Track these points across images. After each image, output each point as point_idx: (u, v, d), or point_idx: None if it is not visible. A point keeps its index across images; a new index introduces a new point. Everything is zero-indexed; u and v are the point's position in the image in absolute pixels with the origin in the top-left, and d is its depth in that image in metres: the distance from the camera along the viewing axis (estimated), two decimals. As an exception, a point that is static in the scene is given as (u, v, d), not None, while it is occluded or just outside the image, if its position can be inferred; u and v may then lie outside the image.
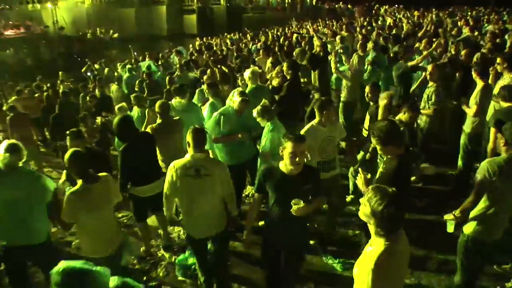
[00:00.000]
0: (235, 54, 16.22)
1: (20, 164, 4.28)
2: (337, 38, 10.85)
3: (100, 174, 4.17)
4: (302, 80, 8.25)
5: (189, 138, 4.13)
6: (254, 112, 5.31)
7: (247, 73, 7.03)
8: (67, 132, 5.55)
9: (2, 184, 4.14)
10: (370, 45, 9.26)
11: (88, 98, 10.37)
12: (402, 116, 5.42)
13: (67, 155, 4.05)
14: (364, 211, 2.68)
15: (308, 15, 34.34)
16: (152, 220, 6.10)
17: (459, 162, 6.18)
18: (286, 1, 38.25)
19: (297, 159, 3.51)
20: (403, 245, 2.75)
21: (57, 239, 6.18)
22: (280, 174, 3.67)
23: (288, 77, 6.95)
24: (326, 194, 4.35)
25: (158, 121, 5.90)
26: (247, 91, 6.66)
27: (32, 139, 9.56)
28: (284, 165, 3.64)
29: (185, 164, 4.11)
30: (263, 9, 38.18)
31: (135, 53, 17.25)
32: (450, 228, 3.91)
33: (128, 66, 13.57)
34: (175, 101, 6.88)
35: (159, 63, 14.95)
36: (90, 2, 36.79)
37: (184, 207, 4.30)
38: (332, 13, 34.59)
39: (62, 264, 2.19)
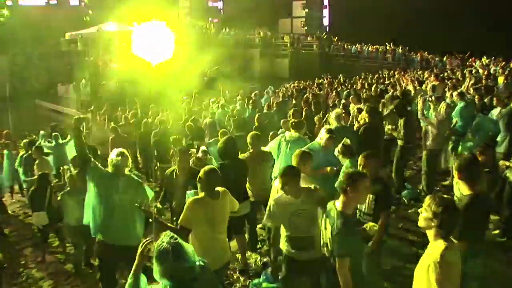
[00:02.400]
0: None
1: (126, 171, 4.85)
2: (429, 86, 10.78)
3: (219, 189, 4.55)
4: (389, 126, 8.42)
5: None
6: (336, 150, 5.57)
7: (333, 114, 7.38)
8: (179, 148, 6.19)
9: (112, 187, 4.73)
10: (455, 94, 9.21)
11: (186, 126, 11.05)
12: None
13: (204, 169, 4.46)
14: (425, 216, 3.03)
15: (399, 65, 34.04)
16: (232, 245, 6.43)
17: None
18: (379, 50, 38.20)
19: None
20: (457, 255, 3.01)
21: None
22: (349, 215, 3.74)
23: (367, 121, 7.22)
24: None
25: (249, 151, 6.39)
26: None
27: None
28: (350, 204, 3.73)
29: None
30: (355, 57, 38.33)
31: (227, 91, 17.99)
32: None
33: (221, 102, 14.37)
34: (289, 134, 7.31)
35: (250, 102, 15.63)
36: (188, 42, 38.97)
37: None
38: (425, 63, 34.15)
39: None
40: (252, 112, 14.07)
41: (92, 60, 27.95)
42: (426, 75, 23.13)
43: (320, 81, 23.48)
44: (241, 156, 6.28)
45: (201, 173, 4.42)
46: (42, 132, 12.53)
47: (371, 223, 3.95)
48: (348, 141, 5.69)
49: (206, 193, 4.40)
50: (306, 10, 47.21)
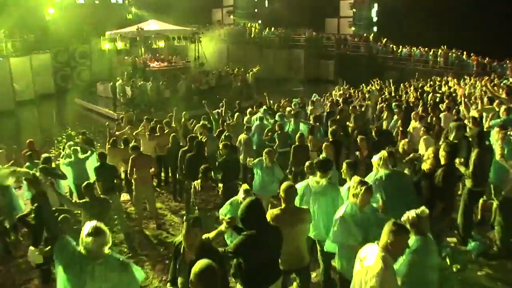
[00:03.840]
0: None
1: (107, 250, 3.68)
2: (502, 108, 8.98)
3: None
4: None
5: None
6: (405, 217, 4.13)
7: (376, 158, 5.97)
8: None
9: (85, 274, 3.53)
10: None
11: (220, 147, 9.84)
12: None
13: (195, 270, 3.17)
14: None
15: (453, 69, 31.93)
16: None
17: None
18: (430, 53, 36.03)
19: None
20: None
21: None
22: None
23: (443, 161, 5.73)
24: None
25: (281, 207, 4.97)
26: (376, 177, 5.67)
27: (150, 180, 9.64)
28: None
29: None
30: (404, 60, 36.34)
31: (271, 101, 16.58)
32: None
33: (259, 114, 13.08)
34: (313, 180, 5.88)
35: (292, 113, 14.31)
36: (231, 41, 38.07)
37: None
38: (481, 68, 31.84)
39: None
40: (294, 125, 12.85)
41: (131, 60, 27.26)
42: (484, 83, 21.28)
43: (368, 88, 21.82)
44: (269, 214, 4.86)
45: (192, 276, 3.14)
46: (70, 142, 11.68)
47: None
48: (427, 211, 4.11)
49: None
50: (354, 10, 45.26)
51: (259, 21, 44.77)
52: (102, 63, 31.72)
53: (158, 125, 12.25)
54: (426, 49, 36.42)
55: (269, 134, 11.82)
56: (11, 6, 28.60)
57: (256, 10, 47.37)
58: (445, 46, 35.01)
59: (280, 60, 38.32)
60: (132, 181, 9.44)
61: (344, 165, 5.98)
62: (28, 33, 30.40)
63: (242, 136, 11.05)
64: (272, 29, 41.06)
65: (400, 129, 11.82)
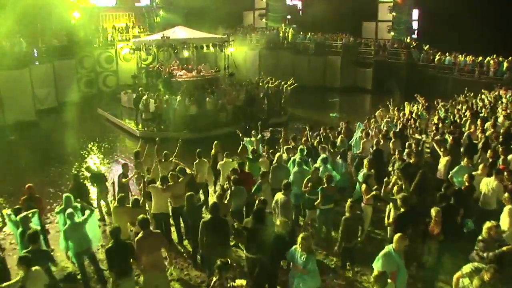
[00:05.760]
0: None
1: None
2: None
3: None
4: None
5: None
6: None
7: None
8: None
9: None
10: None
11: (277, 223, 7.74)
12: None
13: None
14: None
15: (502, 80, 29.12)
16: None
17: None
18: (476, 61, 33.05)
19: None
20: None
21: None
22: None
23: None
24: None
25: None
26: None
27: (162, 265, 7.53)
28: None
29: None
30: (448, 68, 33.49)
31: (309, 129, 14.07)
32: None
33: (298, 157, 10.93)
34: None
35: (335, 149, 12.12)
36: (264, 47, 36.11)
37: None
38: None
39: None
40: (343, 168, 10.89)
41: (156, 69, 25.50)
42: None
43: (415, 109, 19.12)
44: None
45: None
46: (57, 209, 9.69)
47: None
48: None
49: None
50: (393, 14, 42.61)
51: (294, 25, 42.56)
52: (127, 69, 30.35)
53: (170, 173, 10.23)
54: (471, 57, 33.50)
55: (309, 184, 9.78)
56: (36, 10, 27.39)
57: (290, 13, 45.07)
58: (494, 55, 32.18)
59: (315, 68, 36.10)
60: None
61: None
62: (53, 39, 29.11)
63: (279, 196, 8.88)
64: (308, 33, 38.77)
65: (467, 183, 9.62)
